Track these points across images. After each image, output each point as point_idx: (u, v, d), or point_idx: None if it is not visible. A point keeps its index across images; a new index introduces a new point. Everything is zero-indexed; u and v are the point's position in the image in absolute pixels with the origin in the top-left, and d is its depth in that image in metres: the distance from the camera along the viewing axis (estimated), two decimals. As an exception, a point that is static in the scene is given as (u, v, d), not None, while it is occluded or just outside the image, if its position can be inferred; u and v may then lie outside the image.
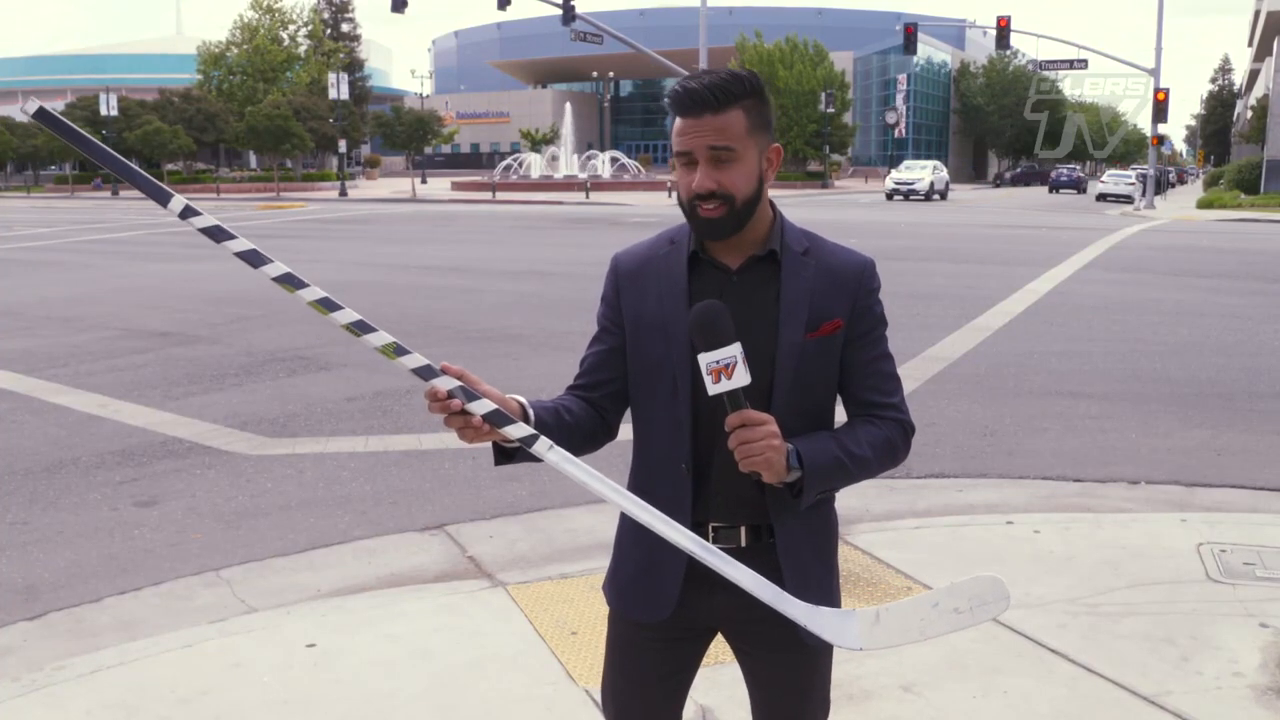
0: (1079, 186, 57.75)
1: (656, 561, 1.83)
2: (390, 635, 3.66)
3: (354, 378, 8.03)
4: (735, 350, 1.59)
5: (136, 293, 13.22)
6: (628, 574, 1.91)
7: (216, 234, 1.56)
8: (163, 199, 1.56)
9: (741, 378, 1.60)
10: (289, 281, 1.57)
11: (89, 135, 1.55)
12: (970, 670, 3.34)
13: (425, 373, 1.60)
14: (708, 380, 1.60)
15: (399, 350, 1.59)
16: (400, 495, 5.37)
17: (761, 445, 1.61)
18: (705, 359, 1.60)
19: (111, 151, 1.57)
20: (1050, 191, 57.43)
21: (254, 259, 1.57)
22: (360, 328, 1.58)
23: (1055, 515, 4.88)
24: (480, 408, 1.61)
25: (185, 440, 6.34)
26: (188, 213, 1.55)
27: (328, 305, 1.57)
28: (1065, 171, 60.07)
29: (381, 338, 1.59)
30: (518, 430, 1.63)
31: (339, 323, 1.58)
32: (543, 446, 1.65)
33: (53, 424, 6.77)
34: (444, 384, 1.60)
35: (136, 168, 1.58)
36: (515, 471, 5.40)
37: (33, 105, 1.51)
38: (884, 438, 1.79)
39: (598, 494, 1.67)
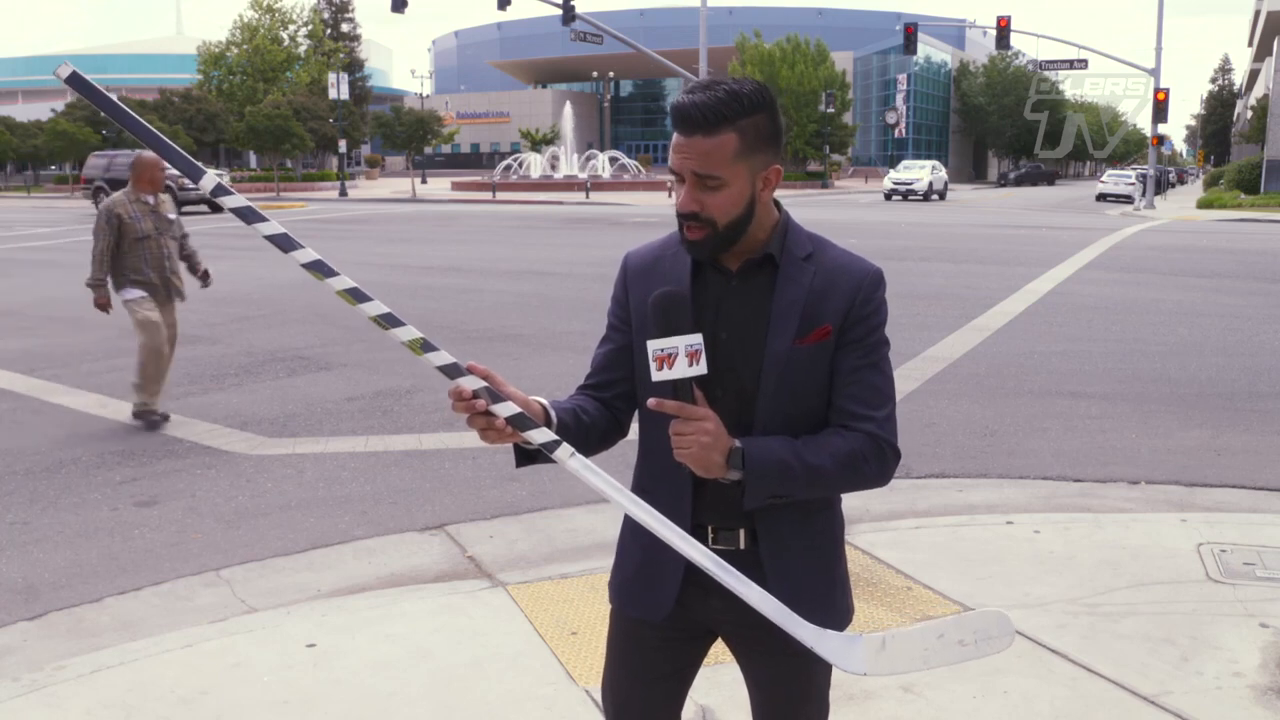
0: None
1: (656, 561, 1.84)
2: (390, 635, 3.66)
3: (354, 378, 8.03)
4: (679, 342, 1.60)
5: (136, 293, 13.19)
6: (629, 572, 1.92)
7: (248, 215, 1.54)
8: (195, 175, 1.53)
9: (683, 369, 1.60)
10: (318, 269, 1.55)
11: (124, 106, 1.51)
12: (970, 670, 3.33)
13: (451, 371, 1.59)
14: (652, 367, 1.61)
15: (426, 346, 1.58)
16: (400, 495, 5.37)
17: (689, 439, 1.62)
18: (651, 346, 1.62)
19: (145, 123, 1.53)
20: None
21: (285, 243, 1.55)
22: (389, 320, 1.57)
23: (1055, 515, 4.88)
24: (504, 410, 1.60)
25: (185, 440, 6.34)
26: (219, 191, 1.54)
27: (357, 296, 1.56)
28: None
29: (409, 332, 1.58)
30: (540, 435, 1.63)
31: (368, 314, 1.57)
32: (564, 453, 1.64)
33: (53, 424, 6.78)
34: (469, 384, 1.59)
35: (170, 141, 1.54)
36: (515, 471, 5.40)
37: (66, 69, 1.47)
38: (848, 450, 1.70)
39: (618, 504, 1.66)
